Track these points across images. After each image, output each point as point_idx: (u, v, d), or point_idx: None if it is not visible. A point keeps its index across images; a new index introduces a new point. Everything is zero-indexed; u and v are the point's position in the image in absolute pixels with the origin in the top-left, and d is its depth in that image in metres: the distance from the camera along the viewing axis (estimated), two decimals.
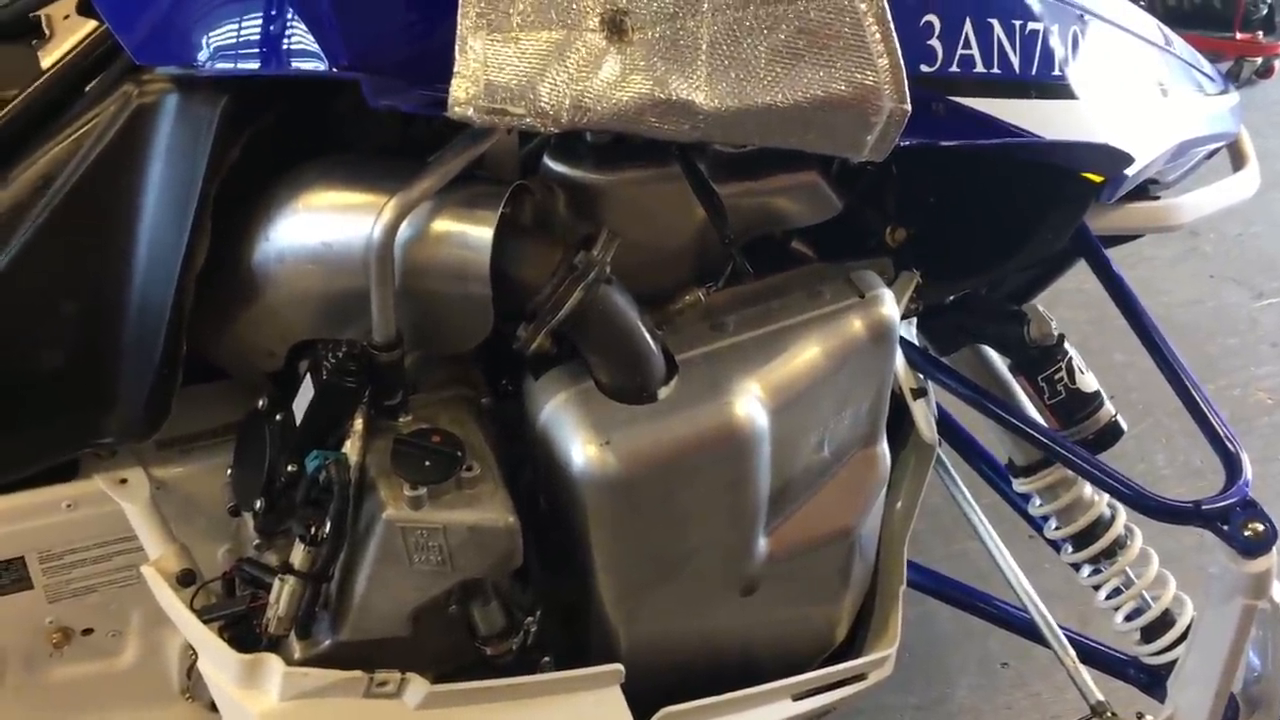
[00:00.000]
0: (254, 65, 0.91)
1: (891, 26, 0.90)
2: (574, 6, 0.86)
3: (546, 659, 1.14)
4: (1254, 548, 1.26)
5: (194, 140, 0.96)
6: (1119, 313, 1.46)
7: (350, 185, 0.98)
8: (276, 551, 1.05)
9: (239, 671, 1.00)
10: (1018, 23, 1.11)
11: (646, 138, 0.91)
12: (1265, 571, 1.27)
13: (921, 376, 1.37)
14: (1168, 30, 1.48)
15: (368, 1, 0.87)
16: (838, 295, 1.16)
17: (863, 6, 0.90)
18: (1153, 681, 1.49)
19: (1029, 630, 1.57)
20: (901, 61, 0.91)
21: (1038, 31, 1.13)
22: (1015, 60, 1.10)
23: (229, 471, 1.09)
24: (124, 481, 1.10)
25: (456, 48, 0.83)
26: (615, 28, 0.87)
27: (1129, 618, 1.50)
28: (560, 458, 1.04)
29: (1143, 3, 2.01)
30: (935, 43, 1.03)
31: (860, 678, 1.31)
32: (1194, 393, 1.36)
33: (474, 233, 0.96)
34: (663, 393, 1.06)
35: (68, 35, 1.08)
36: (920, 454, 1.37)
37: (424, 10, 0.87)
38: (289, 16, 0.88)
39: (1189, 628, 1.45)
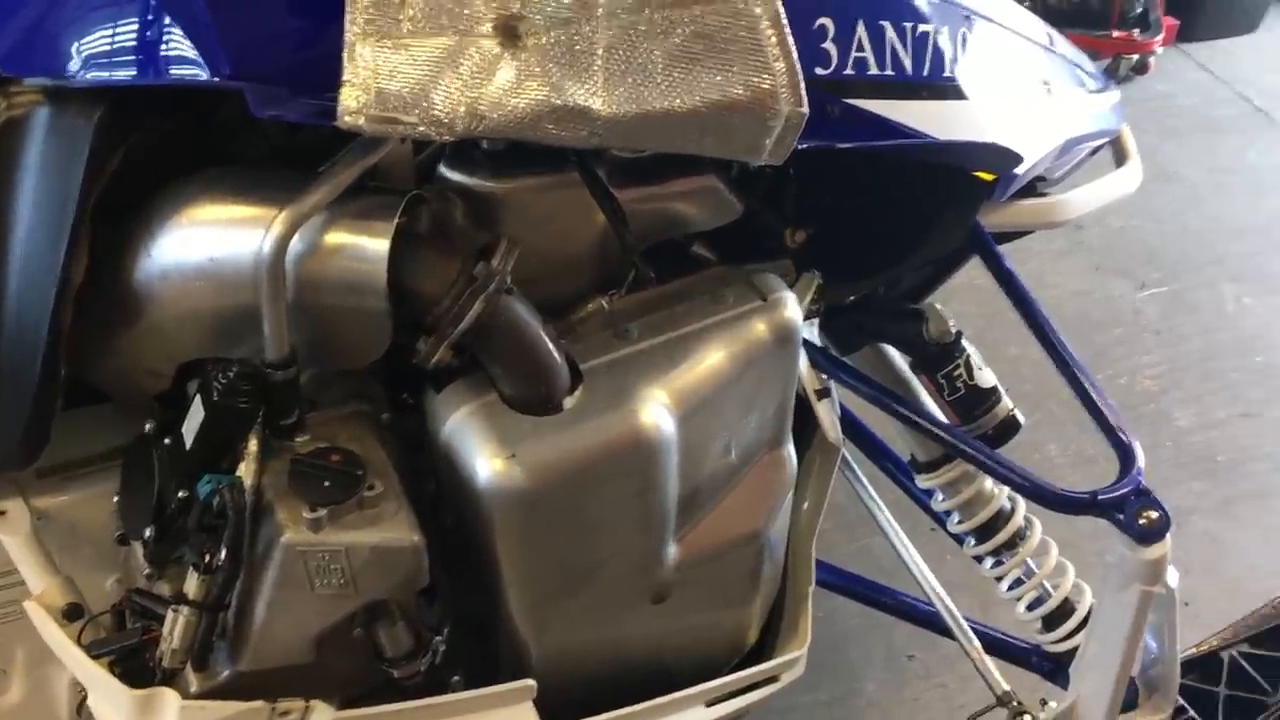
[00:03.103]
0: (130, 74, 0.87)
1: (787, 30, 0.90)
2: (466, 12, 0.84)
3: (456, 678, 1.13)
4: (1149, 535, 1.29)
5: (68, 154, 0.91)
6: (1010, 307, 1.49)
7: (237, 198, 0.95)
8: (169, 581, 1.01)
9: (132, 708, 0.96)
10: (909, 25, 1.12)
11: (543, 145, 0.89)
12: (1160, 557, 1.30)
13: (825, 377, 1.38)
14: (1051, 29, 1.52)
15: (249, 7, 0.84)
16: (740, 299, 1.16)
17: (758, 10, 0.89)
18: (1055, 669, 1.53)
19: (934, 623, 1.59)
20: (798, 64, 0.90)
21: (928, 33, 1.14)
22: (907, 62, 1.11)
23: (116, 499, 1.04)
24: (2, 513, 1.05)
25: (345, 55, 0.81)
26: (509, 33, 0.85)
27: (1031, 607, 1.53)
28: (465, 472, 1.02)
29: (1025, 2, 2.05)
30: (830, 45, 1.04)
31: (773, 679, 1.31)
32: (1086, 385, 1.39)
33: (369, 245, 0.93)
34: (568, 403, 1.04)
35: None
36: (825, 454, 1.38)
37: (309, 17, 0.84)
38: (165, 23, 0.84)
39: (1088, 615, 1.49)
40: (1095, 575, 1.47)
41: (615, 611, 1.18)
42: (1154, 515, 1.29)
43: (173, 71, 0.85)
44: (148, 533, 0.97)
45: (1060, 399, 2.46)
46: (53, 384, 0.96)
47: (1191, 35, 4.28)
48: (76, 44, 0.89)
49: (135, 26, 0.87)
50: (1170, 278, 3.12)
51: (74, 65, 0.89)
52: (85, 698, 1.07)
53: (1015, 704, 1.47)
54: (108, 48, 0.88)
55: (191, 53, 0.83)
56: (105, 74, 0.88)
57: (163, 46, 0.86)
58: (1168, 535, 1.30)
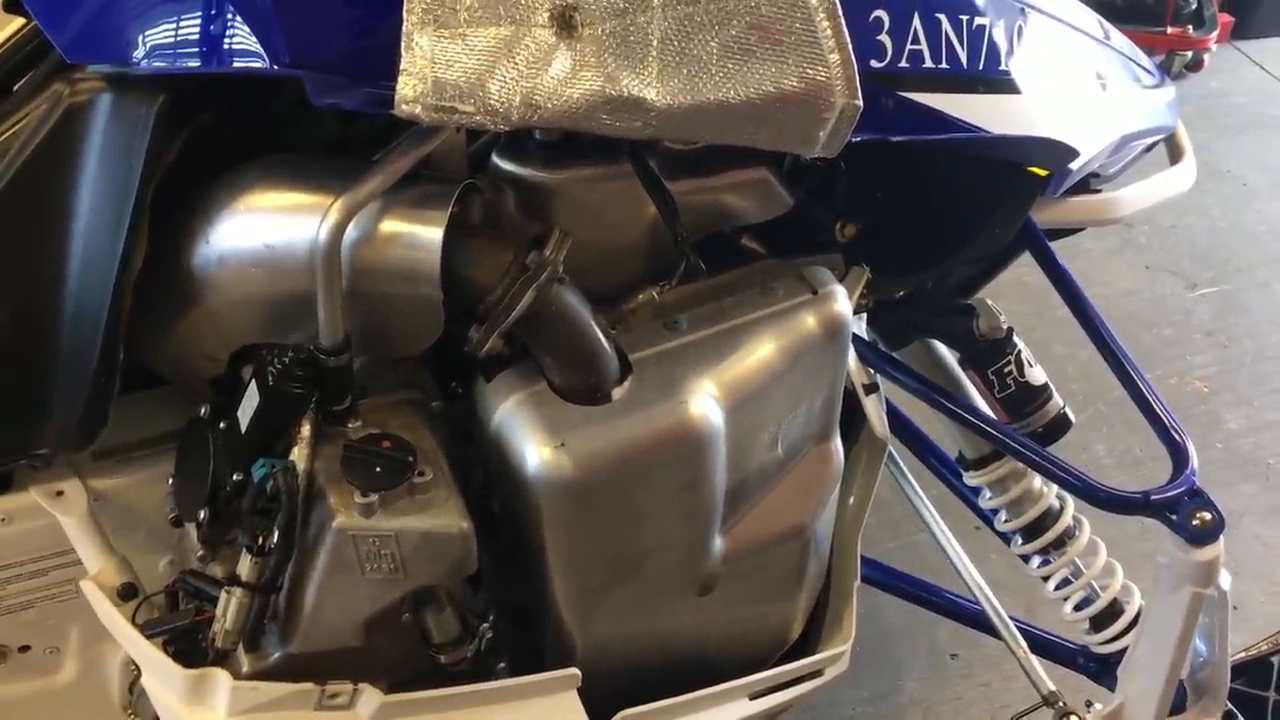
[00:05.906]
0: (192, 63, 0.88)
1: (843, 22, 0.89)
2: (523, 2, 0.84)
3: (502, 665, 1.13)
4: (1202, 536, 1.27)
5: (129, 141, 0.93)
6: (1059, 304, 1.48)
7: (294, 185, 0.96)
8: (222, 563, 1.03)
9: (185, 687, 0.97)
10: (964, 18, 1.11)
11: (597, 135, 0.89)
12: (1213, 559, 1.28)
13: (872, 372, 1.37)
14: (1106, 24, 1.50)
15: None
16: (790, 292, 1.16)
17: (814, 2, 0.89)
18: (1102, 670, 1.51)
19: (978, 621, 1.57)
20: (853, 57, 0.90)
21: (984, 26, 1.13)
22: (963, 55, 1.11)
23: (171, 481, 1.06)
24: (60, 494, 1.06)
25: (402, 44, 0.81)
26: (565, 23, 0.85)
27: (1078, 607, 1.51)
28: (514, 461, 1.03)
29: None
30: (885, 38, 1.03)
31: (816, 674, 1.31)
32: (1140, 384, 1.37)
33: (423, 233, 0.94)
34: (617, 393, 1.04)
35: None
36: (872, 450, 1.37)
37: (367, 6, 0.85)
38: (228, 13, 0.85)
39: (1137, 616, 1.47)
40: (1143, 576, 1.45)
41: (661, 602, 1.19)
42: (1207, 517, 1.27)
43: (234, 61, 0.86)
44: (202, 515, 0.98)
45: (1108, 399, 2.45)
46: (111, 367, 0.97)
47: (1246, 32, 4.22)
48: (139, 33, 0.91)
49: (197, 16, 0.88)
50: (1222, 278, 3.07)
51: (137, 54, 0.90)
52: (138, 677, 1.09)
53: (1061, 705, 1.46)
54: (170, 37, 0.90)
55: (252, 42, 0.84)
56: (168, 63, 0.89)
57: (224, 36, 0.87)
58: (1221, 537, 1.29)
